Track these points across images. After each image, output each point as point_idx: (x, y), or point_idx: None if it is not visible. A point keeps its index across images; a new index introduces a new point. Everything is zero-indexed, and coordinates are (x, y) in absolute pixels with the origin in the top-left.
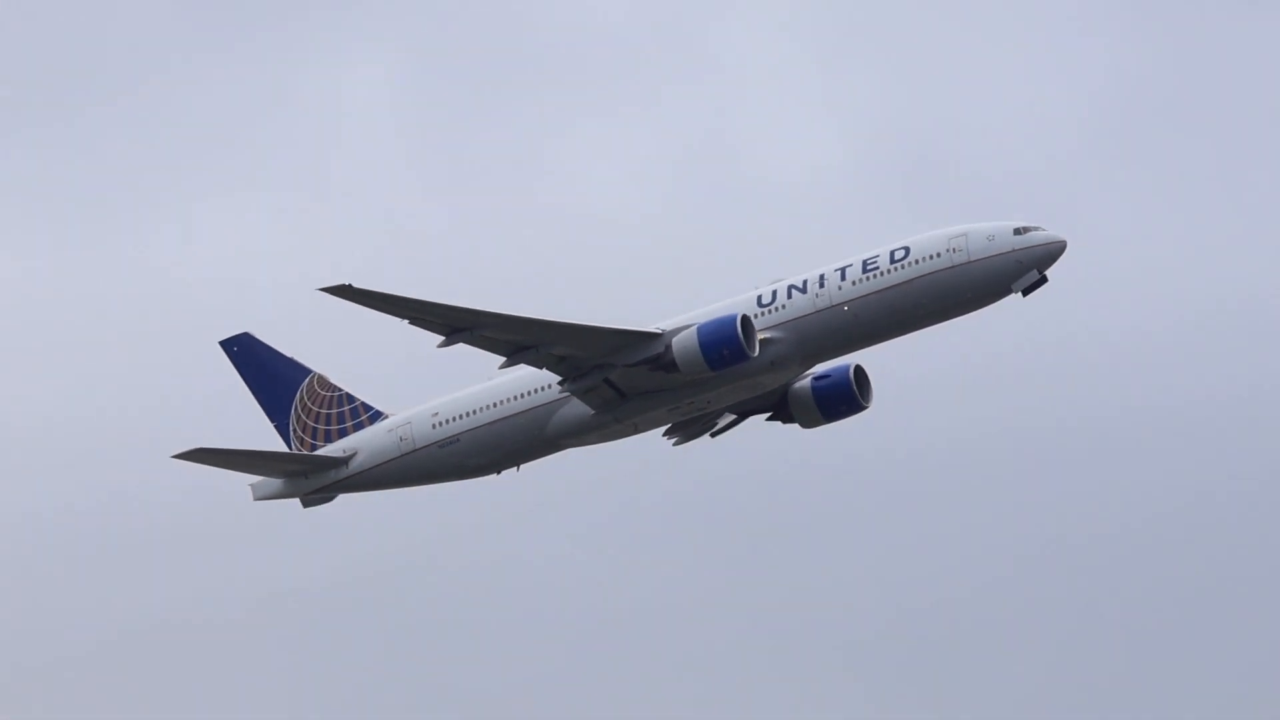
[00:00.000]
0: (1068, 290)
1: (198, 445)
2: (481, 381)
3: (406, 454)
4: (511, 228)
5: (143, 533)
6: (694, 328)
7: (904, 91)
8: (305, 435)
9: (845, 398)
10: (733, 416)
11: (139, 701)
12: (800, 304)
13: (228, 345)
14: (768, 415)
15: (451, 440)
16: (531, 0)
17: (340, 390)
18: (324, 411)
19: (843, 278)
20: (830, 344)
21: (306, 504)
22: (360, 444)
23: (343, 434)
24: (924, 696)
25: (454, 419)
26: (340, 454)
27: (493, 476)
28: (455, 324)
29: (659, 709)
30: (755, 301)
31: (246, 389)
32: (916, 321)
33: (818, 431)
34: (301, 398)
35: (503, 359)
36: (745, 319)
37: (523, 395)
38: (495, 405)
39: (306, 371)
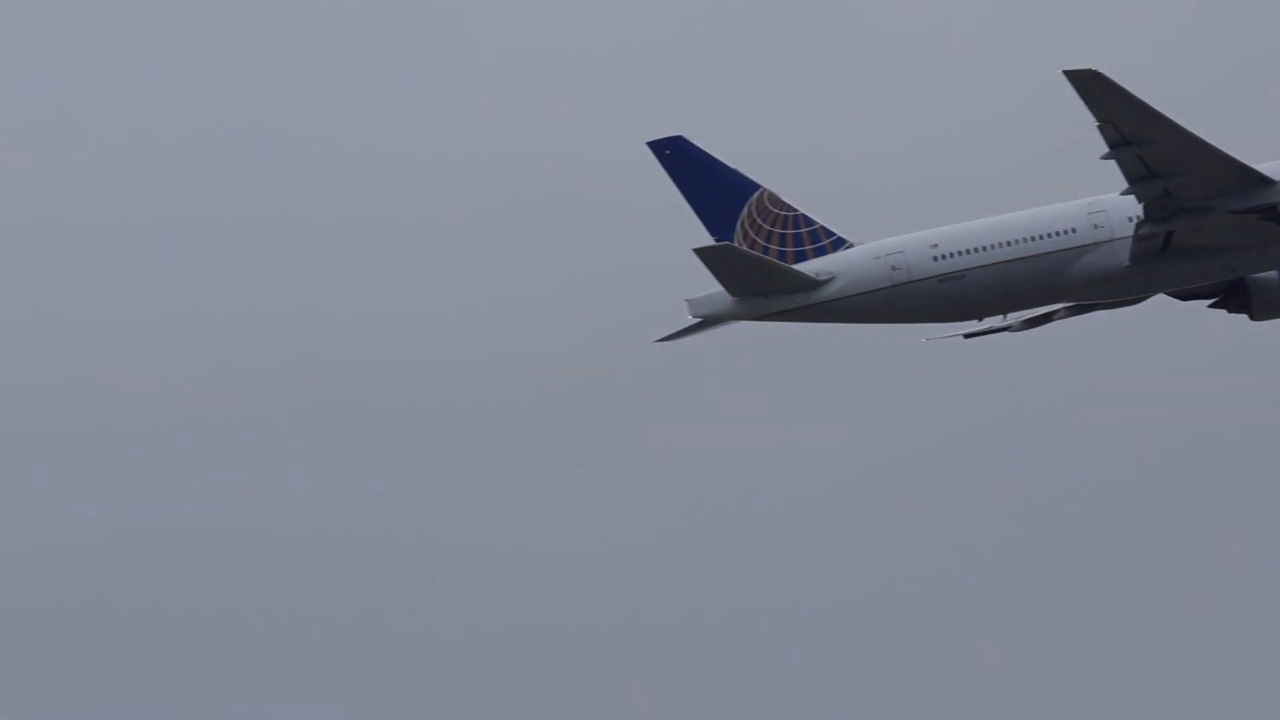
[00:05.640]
0: None
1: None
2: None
3: (898, 285)
4: None
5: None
6: None
7: None
8: None
9: None
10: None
11: None
12: None
13: (658, 147)
14: (1211, 301)
15: (955, 276)
16: None
17: (795, 210)
18: (778, 231)
19: None
20: None
21: (680, 334)
22: (840, 268)
23: (800, 257)
24: None
25: (958, 253)
26: (814, 276)
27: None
28: (1137, 137)
29: None
30: None
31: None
32: None
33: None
34: (750, 213)
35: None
36: None
37: (1044, 236)
38: (1010, 244)
39: (753, 185)
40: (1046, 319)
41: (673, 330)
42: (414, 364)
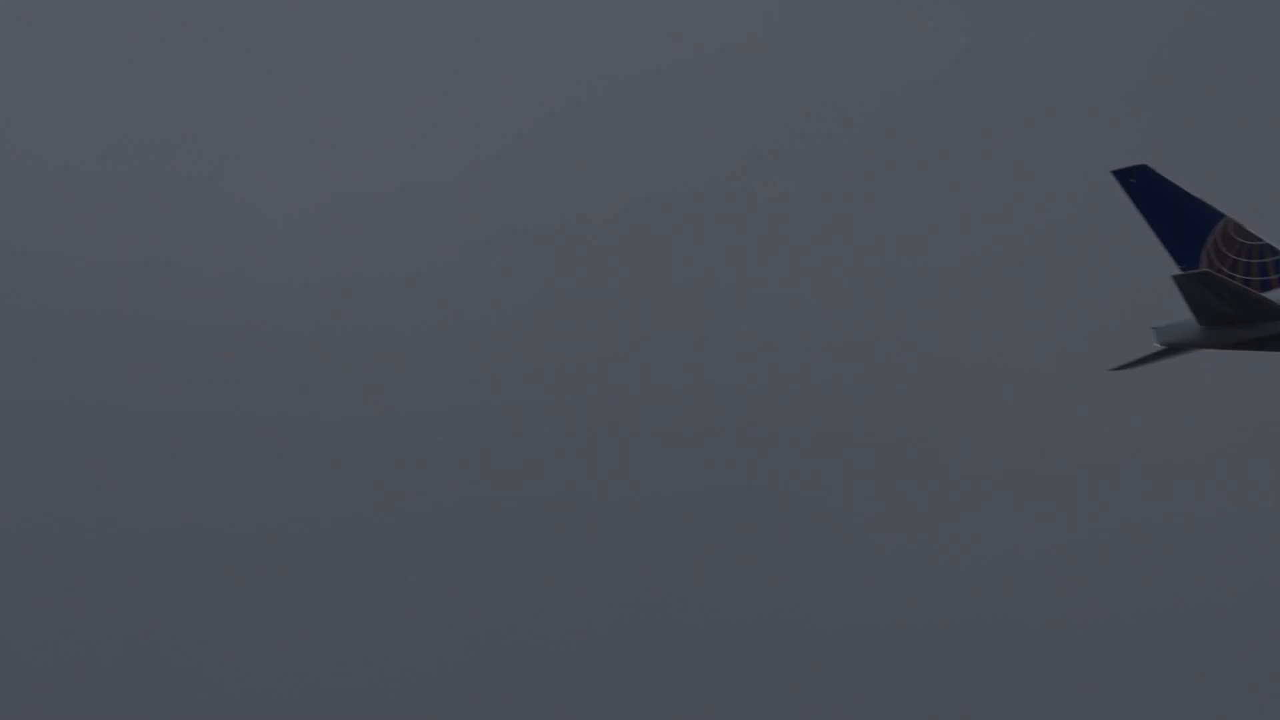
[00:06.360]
0: None
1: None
2: None
3: None
4: None
5: None
6: None
7: None
8: None
9: None
10: None
11: None
12: None
13: (1123, 176)
14: None
15: None
16: None
17: (1260, 240)
18: (1243, 260)
19: None
20: None
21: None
22: None
23: (1264, 287)
24: None
25: None
26: None
27: None
28: None
29: None
30: None
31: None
32: None
33: None
34: (1215, 243)
35: None
36: None
37: None
38: None
39: (1217, 215)
40: None
41: (1129, 359)
42: (813, 384)
